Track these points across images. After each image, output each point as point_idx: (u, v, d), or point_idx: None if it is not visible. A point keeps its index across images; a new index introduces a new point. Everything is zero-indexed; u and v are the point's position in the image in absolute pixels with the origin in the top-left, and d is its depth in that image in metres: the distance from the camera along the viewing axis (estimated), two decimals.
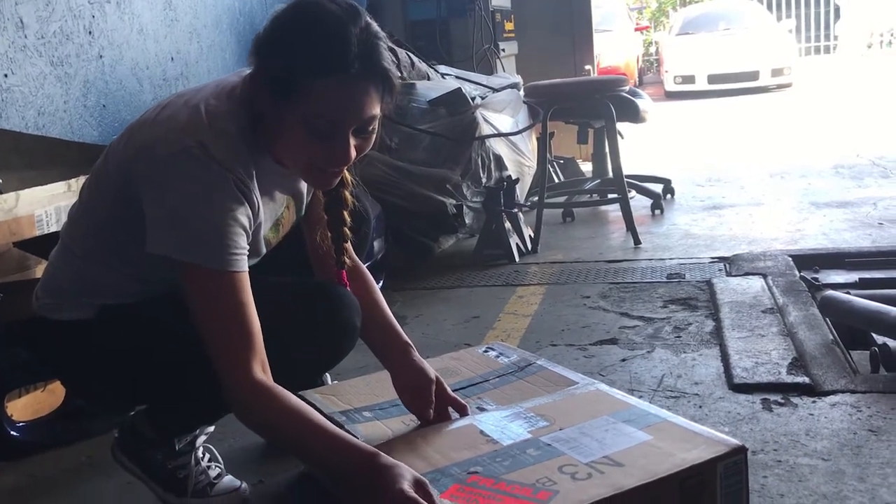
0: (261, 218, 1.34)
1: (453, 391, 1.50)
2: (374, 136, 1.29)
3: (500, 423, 1.41)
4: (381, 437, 1.41)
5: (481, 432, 1.38)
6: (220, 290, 1.23)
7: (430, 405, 1.45)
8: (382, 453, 1.18)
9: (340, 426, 1.44)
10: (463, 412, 1.47)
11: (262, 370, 1.22)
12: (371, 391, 1.60)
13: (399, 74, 1.27)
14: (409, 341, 1.51)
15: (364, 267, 1.59)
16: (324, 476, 1.48)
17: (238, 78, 1.34)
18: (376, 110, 1.25)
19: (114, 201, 1.33)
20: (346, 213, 1.46)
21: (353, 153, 1.26)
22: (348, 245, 1.48)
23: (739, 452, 1.25)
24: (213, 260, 1.22)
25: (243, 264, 1.25)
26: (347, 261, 1.48)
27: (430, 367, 1.49)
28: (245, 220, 1.26)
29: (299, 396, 1.51)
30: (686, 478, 1.20)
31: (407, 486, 1.11)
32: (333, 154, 1.25)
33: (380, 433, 1.44)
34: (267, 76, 1.23)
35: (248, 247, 1.27)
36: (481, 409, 1.50)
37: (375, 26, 1.25)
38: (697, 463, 1.21)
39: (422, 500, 1.09)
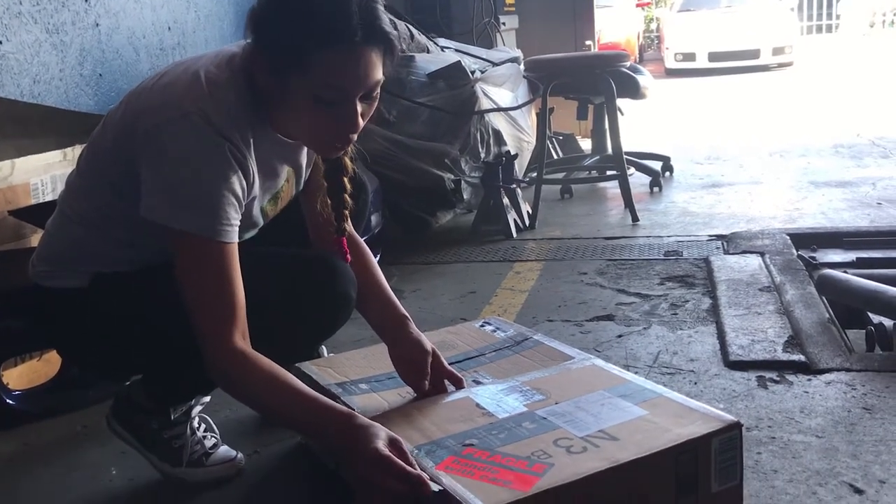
0: (256, 189, 1.33)
1: (449, 364, 1.50)
2: (377, 100, 1.28)
3: (496, 396, 1.41)
4: (377, 409, 1.41)
5: (477, 405, 1.38)
6: (207, 258, 1.23)
7: (426, 377, 1.45)
8: (358, 414, 1.20)
9: (336, 398, 1.44)
10: (459, 385, 1.47)
11: (241, 339, 1.23)
12: (368, 363, 1.60)
13: (397, 34, 1.25)
14: (407, 314, 1.51)
15: (361, 240, 1.58)
16: (307, 439, 1.48)
17: (238, 48, 1.32)
18: (380, 74, 1.24)
19: (110, 169, 1.32)
20: (346, 180, 1.45)
21: (360, 121, 1.25)
22: (348, 212, 1.47)
23: (734, 428, 1.25)
24: (203, 228, 1.21)
25: (233, 235, 1.25)
26: (348, 228, 1.47)
27: (427, 339, 1.49)
28: (239, 191, 1.25)
29: (296, 368, 1.52)
30: (681, 452, 1.21)
31: (381, 445, 1.12)
32: (343, 122, 1.24)
33: (376, 405, 1.44)
34: (269, 50, 1.22)
35: (239, 218, 1.26)
36: (477, 383, 1.50)
37: None
38: (692, 438, 1.22)
39: (395, 459, 1.11)
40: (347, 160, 1.43)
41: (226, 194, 1.23)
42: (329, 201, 1.46)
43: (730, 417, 1.27)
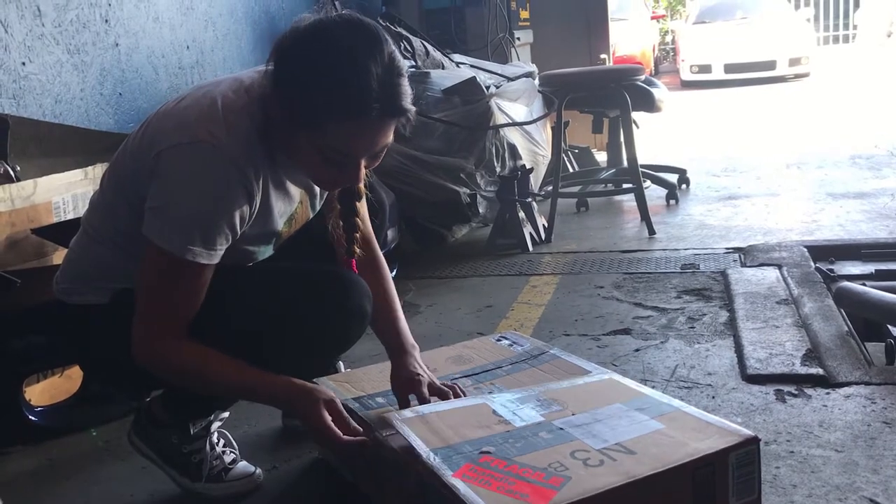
0: (255, 214, 1.34)
1: (465, 377, 1.51)
2: (384, 153, 1.32)
3: (512, 405, 1.41)
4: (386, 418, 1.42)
5: (494, 412, 1.38)
6: (179, 276, 1.28)
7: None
8: (295, 380, 1.31)
9: (353, 413, 1.45)
10: (443, 396, 1.47)
11: (176, 336, 1.30)
12: (384, 378, 1.60)
13: (414, 109, 1.29)
14: (412, 343, 1.52)
15: (383, 259, 1.60)
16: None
17: (257, 74, 1.34)
18: (390, 138, 1.28)
19: (129, 188, 1.34)
20: (357, 204, 1.47)
21: (364, 174, 1.31)
22: (360, 234, 1.49)
23: (752, 443, 1.25)
24: (188, 251, 1.25)
25: (215, 259, 1.29)
26: (358, 250, 1.49)
27: (425, 370, 1.49)
28: (237, 221, 1.29)
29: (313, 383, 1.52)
30: (698, 467, 1.20)
31: (319, 414, 1.26)
32: (344, 179, 1.32)
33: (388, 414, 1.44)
34: (288, 102, 1.24)
35: (227, 244, 1.30)
36: (490, 395, 1.51)
37: (397, 56, 1.25)
38: (710, 452, 1.21)
39: (332, 429, 1.26)
40: (361, 185, 1.45)
41: (221, 223, 1.26)
42: (341, 223, 1.48)
43: (747, 432, 1.26)
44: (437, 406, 1.41)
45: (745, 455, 1.24)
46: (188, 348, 1.30)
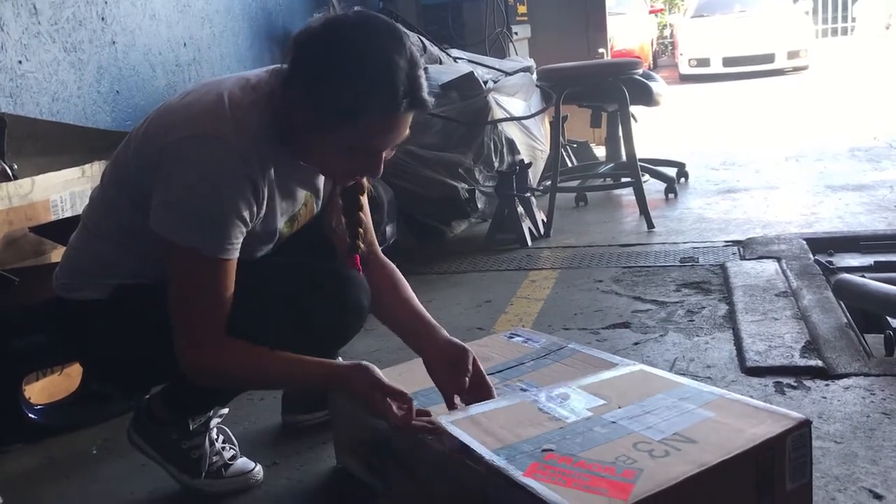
0: (263, 212, 1.35)
1: (489, 374, 1.47)
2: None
3: (556, 401, 1.37)
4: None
5: (540, 409, 1.34)
6: (203, 273, 1.27)
7: (466, 374, 1.42)
8: (337, 361, 1.33)
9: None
10: (489, 395, 1.43)
11: (218, 337, 1.29)
12: (405, 380, 1.52)
13: (432, 99, 1.32)
14: (437, 324, 1.51)
15: (386, 259, 1.59)
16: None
17: (265, 73, 1.35)
18: (408, 129, 1.31)
19: (130, 183, 1.34)
20: (362, 198, 1.48)
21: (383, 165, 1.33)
22: (363, 229, 1.49)
23: (805, 426, 1.25)
24: (205, 246, 1.25)
25: (234, 253, 1.28)
26: (361, 245, 1.49)
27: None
28: (246, 213, 1.28)
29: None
30: (761, 452, 1.19)
31: (366, 391, 1.29)
32: (367, 171, 1.34)
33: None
34: (314, 100, 1.24)
35: (242, 238, 1.29)
36: (524, 391, 1.47)
37: (415, 51, 1.27)
38: (771, 437, 1.20)
39: (377, 401, 1.28)
40: (365, 180, 1.47)
41: (232, 215, 1.26)
42: (344, 219, 1.48)
43: (799, 415, 1.26)
44: (482, 406, 1.38)
45: (800, 438, 1.24)
46: (236, 349, 1.29)
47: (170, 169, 1.25)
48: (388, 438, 1.38)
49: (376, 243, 1.58)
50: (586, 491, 1.10)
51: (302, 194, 1.45)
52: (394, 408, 1.29)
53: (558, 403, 1.37)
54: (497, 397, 1.42)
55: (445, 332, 1.49)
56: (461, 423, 1.31)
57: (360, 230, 1.48)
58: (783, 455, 1.22)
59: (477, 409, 1.37)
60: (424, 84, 1.27)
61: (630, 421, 1.28)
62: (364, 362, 1.33)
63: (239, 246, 1.29)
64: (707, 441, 1.20)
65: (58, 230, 1.84)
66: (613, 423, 1.28)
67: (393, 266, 1.58)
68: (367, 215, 1.51)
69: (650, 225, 3.45)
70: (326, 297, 1.39)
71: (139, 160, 1.32)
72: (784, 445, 1.22)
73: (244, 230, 1.29)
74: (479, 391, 1.43)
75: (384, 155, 1.31)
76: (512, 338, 1.77)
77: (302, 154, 1.34)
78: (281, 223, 1.42)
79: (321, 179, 1.48)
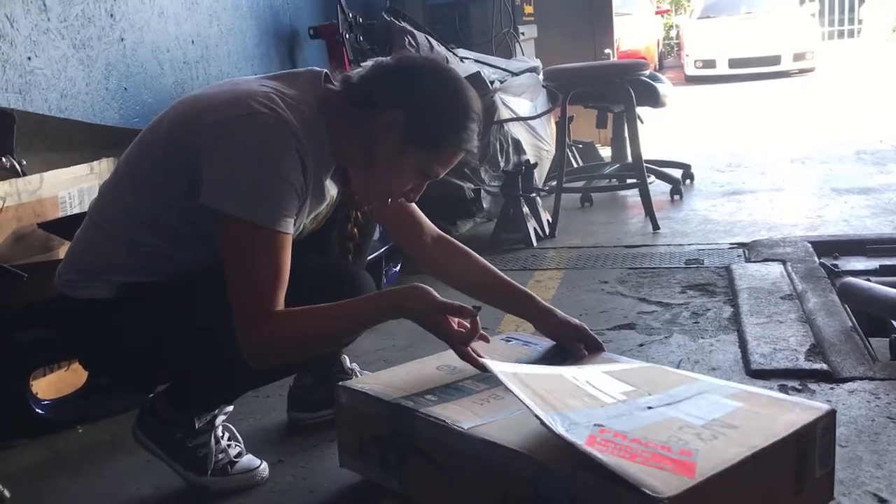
0: (308, 194, 1.38)
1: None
2: None
3: (588, 379, 1.34)
4: (458, 415, 1.32)
5: (577, 386, 1.32)
6: (262, 246, 1.28)
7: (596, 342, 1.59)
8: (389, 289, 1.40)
9: (412, 412, 1.36)
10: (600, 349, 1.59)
11: (275, 315, 1.30)
12: (414, 379, 1.51)
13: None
14: (531, 292, 1.66)
15: (453, 240, 1.70)
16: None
17: (304, 78, 1.42)
18: None
19: (159, 167, 1.36)
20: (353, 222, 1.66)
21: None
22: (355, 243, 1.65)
23: (831, 415, 1.27)
24: (264, 218, 1.27)
25: (290, 227, 1.31)
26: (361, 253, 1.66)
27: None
28: (299, 187, 1.32)
29: (344, 387, 1.52)
30: (800, 437, 1.20)
31: (423, 298, 1.34)
32: (412, 193, 1.47)
33: (454, 413, 1.34)
34: (415, 119, 1.37)
35: (294, 215, 1.32)
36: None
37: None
38: (806, 423, 1.22)
39: (437, 298, 1.33)
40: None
41: (286, 185, 1.29)
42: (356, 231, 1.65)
43: (826, 406, 1.29)
44: (525, 368, 1.38)
45: (827, 427, 1.26)
46: (295, 314, 1.30)
47: (223, 145, 1.28)
48: (409, 425, 1.36)
49: (433, 226, 1.70)
50: (653, 467, 1.07)
51: (329, 195, 1.51)
52: (454, 325, 1.37)
53: (591, 382, 1.35)
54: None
55: (543, 304, 1.64)
56: (513, 380, 1.28)
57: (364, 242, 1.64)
58: (814, 442, 1.24)
59: (522, 368, 1.37)
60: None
61: (666, 407, 1.27)
62: (417, 283, 1.37)
63: (292, 222, 1.31)
64: (748, 426, 1.20)
65: (66, 226, 1.85)
66: (650, 408, 1.26)
67: (462, 247, 1.70)
68: (424, 220, 1.69)
69: (655, 226, 3.45)
70: (332, 294, 1.39)
71: (172, 141, 1.35)
72: (815, 433, 1.24)
73: (297, 204, 1.32)
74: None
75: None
76: (509, 341, 1.73)
77: (365, 164, 1.40)
78: (307, 218, 1.47)
79: (334, 188, 1.54)
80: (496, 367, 1.32)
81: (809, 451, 1.23)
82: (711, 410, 1.25)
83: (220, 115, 1.30)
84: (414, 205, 1.65)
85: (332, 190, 1.53)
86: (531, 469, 1.17)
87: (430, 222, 1.70)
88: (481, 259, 1.68)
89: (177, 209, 1.36)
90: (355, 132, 1.39)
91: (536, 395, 1.23)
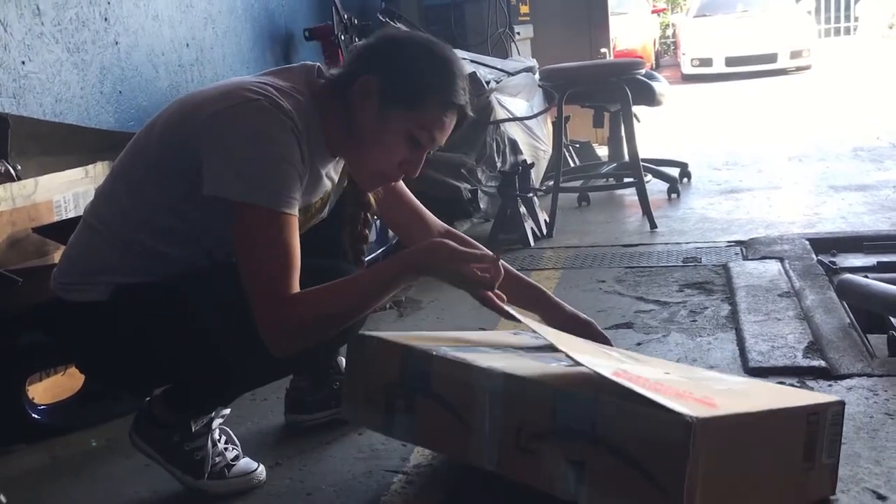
0: (305, 177, 1.38)
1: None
2: None
3: (606, 350, 1.37)
4: (472, 358, 1.34)
5: (597, 348, 1.36)
6: (271, 229, 1.27)
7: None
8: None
9: (430, 352, 1.39)
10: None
11: (293, 298, 1.28)
12: (429, 338, 1.52)
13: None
14: (542, 287, 1.68)
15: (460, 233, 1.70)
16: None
17: (295, 73, 1.41)
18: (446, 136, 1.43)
19: (153, 169, 1.36)
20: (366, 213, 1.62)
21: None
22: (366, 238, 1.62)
23: (841, 405, 1.28)
24: (271, 201, 1.27)
25: (296, 207, 1.31)
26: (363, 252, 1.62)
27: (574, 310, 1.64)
28: (299, 168, 1.32)
29: (356, 336, 1.51)
30: (811, 413, 1.21)
31: (445, 246, 1.32)
32: (410, 166, 1.42)
33: (474, 360, 1.35)
34: (391, 77, 1.35)
35: (298, 197, 1.32)
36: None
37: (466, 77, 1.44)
38: (818, 403, 1.23)
39: (457, 247, 1.31)
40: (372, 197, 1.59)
41: (288, 167, 1.29)
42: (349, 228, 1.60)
43: (835, 396, 1.30)
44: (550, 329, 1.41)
45: (836, 416, 1.27)
46: (317, 292, 1.29)
47: (221, 134, 1.28)
48: (426, 368, 1.37)
49: (439, 221, 1.71)
50: (678, 397, 1.06)
51: (323, 188, 1.49)
52: (478, 273, 1.34)
53: (608, 353, 1.36)
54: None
55: (565, 306, 1.67)
56: (534, 324, 1.32)
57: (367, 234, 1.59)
58: (824, 426, 1.25)
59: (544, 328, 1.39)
60: (469, 101, 1.43)
61: (682, 379, 1.28)
62: (433, 239, 1.39)
63: (298, 204, 1.31)
64: (760, 396, 1.23)
65: (61, 231, 1.84)
66: (668, 374, 1.27)
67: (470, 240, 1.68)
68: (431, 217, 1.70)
69: (653, 225, 3.45)
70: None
71: (167, 139, 1.35)
72: (826, 418, 1.25)
73: (300, 186, 1.32)
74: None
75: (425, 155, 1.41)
76: (517, 334, 1.76)
77: (353, 143, 1.40)
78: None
79: (334, 182, 1.53)
80: (518, 312, 1.34)
81: (820, 433, 1.24)
82: (729, 384, 1.28)
83: (214, 108, 1.30)
84: (419, 203, 1.65)
85: (327, 185, 1.51)
86: (551, 396, 1.16)
87: (436, 219, 1.71)
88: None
89: (173, 210, 1.35)
90: (343, 116, 1.39)
91: (560, 337, 1.28)
